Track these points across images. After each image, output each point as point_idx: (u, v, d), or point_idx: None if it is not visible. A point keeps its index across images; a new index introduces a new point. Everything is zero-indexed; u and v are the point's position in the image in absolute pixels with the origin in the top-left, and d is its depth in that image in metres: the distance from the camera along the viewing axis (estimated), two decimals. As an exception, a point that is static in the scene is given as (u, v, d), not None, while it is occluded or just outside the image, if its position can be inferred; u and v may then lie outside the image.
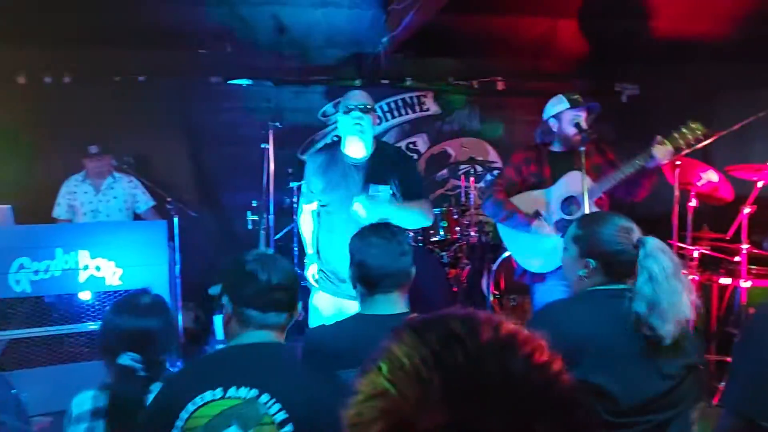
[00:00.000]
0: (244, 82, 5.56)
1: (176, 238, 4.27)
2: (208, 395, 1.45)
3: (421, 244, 4.94)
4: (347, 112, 2.95)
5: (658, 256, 1.74)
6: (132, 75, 5.34)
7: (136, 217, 4.82)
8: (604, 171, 3.22)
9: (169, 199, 4.39)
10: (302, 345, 1.99)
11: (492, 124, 6.04)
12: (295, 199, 4.99)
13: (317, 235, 3.18)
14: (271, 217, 4.60)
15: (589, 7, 4.97)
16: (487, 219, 5.53)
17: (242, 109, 5.57)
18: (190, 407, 1.43)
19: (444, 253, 5.06)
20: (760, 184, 4.01)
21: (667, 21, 5.15)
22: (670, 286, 1.70)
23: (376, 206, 2.85)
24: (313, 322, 3.10)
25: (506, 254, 4.64)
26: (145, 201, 4.82)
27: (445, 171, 6.06)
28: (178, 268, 4.25)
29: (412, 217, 2.97)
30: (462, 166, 5.74)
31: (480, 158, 5.65)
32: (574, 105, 3.21)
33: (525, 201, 3.30)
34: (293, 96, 5.68)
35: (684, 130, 3.03)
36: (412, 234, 4.88)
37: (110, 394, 1.76)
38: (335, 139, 3.27)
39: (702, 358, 1.90)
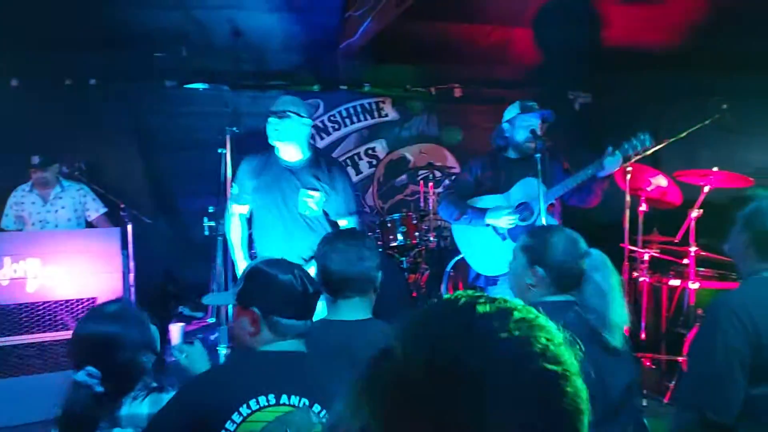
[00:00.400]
0: (201, 86, 5.48)
1: (130, 246, 4.17)
2: (262, 400, 1.47)
3: (380, 250, 4.95)
4: (271, 115, 2.99)
5: (603, 269, 1.80)
6: (83, 78, 5.20)
7: (88, 225, 4.69)
8: (557, 179, 3.29)
9: (122, 206, 4.29)
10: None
11: (450, 130, 6.11)
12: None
13: (244, 239, 3.18)
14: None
15: (543, 16, 5.08)
16: (447, 224, 5.59)
17: (198, 114, 5.48)
18: (244, 411, 1.45)
19: (403, 259, 5.09)
20: (706, 189, 4.16)
21: (618, 31, 5.31)
22: (614, 297, 1.76)
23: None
24: None
25: (459, 257, 4.68)
26: (96, 208, 4.69)
27: (404, 176, 6.10)
28: (132, 276, 4.15)
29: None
30: (421, 172, 5.78)
31: (438, 164, 5.71)
32: (524, 111, 3.30)
33: (479, 203, 3.35)
34: (250, 100, 5.62)
35: (633, 141, 3.13)
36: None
37: (61, 410, 1.69)
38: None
39: (636, 374, 1.98)
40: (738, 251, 2.01)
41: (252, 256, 3.22)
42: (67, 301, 3.44)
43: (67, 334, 3.30)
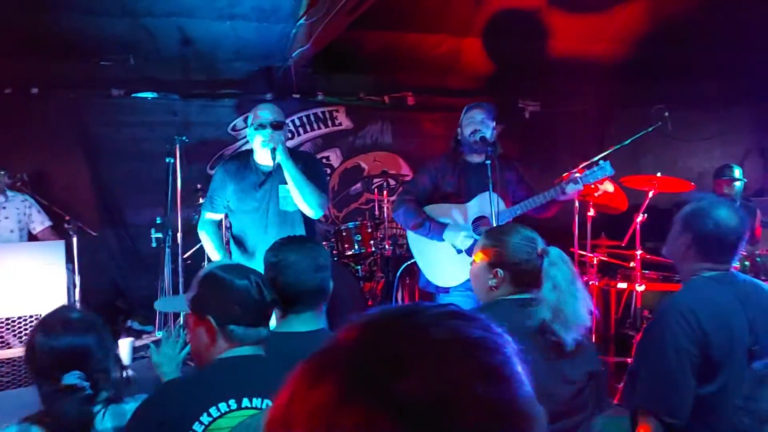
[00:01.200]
0: (149, 95, 5.36)
1: (75, 260, 4.04)
2: (223, 407, 1.45)
3: (335, 258, 4.93)
4: (258, 128, 2.97)
5: (560, 265, 1.82)
6: (24, 87, 5.02)
7: (32, 238, 4.51)
8: (515, 187, 3.34)
9: (67, 218, 4.15)
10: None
11: (404, 138, 6.15)
12: (205, 216, 4.85)
13: (221, 243, 3.17)
14: (179, 234, 4.44)
15: (493, 27, 5.18)
16: (402, 232, 5.60)
17: (146, 123, 5.36)
18: (205, 419, 1.42)
19: (359, 267, 5.08)
20: (650, 194, 4.30)
21: (566, 41, 5.46)
22: (571, 294, 1.78)
23: (287, 160, 2.90)
24: None
25: (409, 262, 4.69)
26: (41, 221, 4.52)
27: (358, 185, 6.09)
28: (77, 291, 4.01)
29: (308, 191, 2.97)
30: (375, 180, 5.79)
31: (393, 171, 5.73)
32: (468, 109, 3.35)
33: (438, 213, 3.35)
34: (201, 109, 5.53)
35: (596, 170, 3.17)
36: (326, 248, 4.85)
37: (53, 420, 1.62)
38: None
39: (600, 366, 2.00)
40: (678, 253, 2.05)
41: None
42: (7, 319, 3.29)
43: (9, 353, 3.16)
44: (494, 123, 3.36)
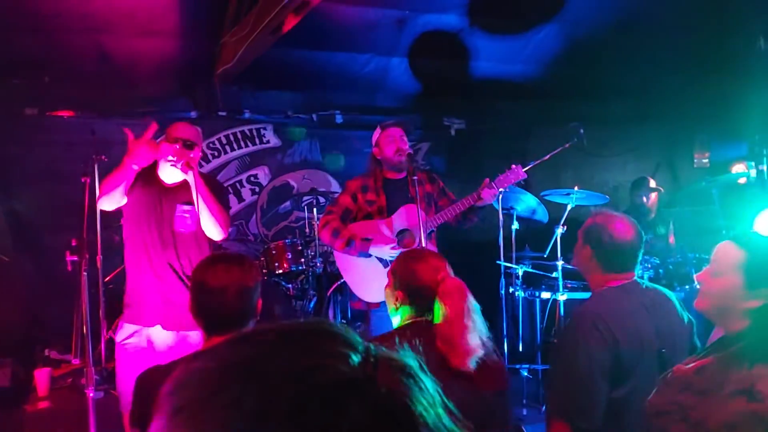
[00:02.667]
0: (65, 114, 5.15)
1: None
2: None
3: (266, 277, 4.86)
4: (170, 142, 2.90)
5: (454, 296, 1.86)
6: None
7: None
8: (436, 199, 3.42)
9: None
10: (134, 390, 1.84)
11: (333, 155, 6.16)
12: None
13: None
14: (98, 257, 4.26)
15: (418, 48, 5.30)
16: (332, 249, 5.59)
17: (62, 143, 5.13)
18: None
19: (290, 285, 5.03)
20: (569, 207, 4.50)
21: (487, 62, 5.66)
22: (460, 324, 1.81)
23: (197, 178, 2.83)
24: (120, 360, 2.92)
25: (340, 281, 4.71)
26: (-55, 247, 4.24)
27: (288, 203, 6.05)
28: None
29: (217, 210, 2.90)
30: (305, 198, 5.77)
31: (322, 189, 5.73)
32: (384, 128, 3.42)
33: (363, 231, 3.37)
34: (121, 128, 5.34)
35: (507, 172, 3.31)
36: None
37: None
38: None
39: (505, 384, 2.06)
40: (583, 265, 2.16)
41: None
42: None
43: None
44: (408, 137, 3.47)
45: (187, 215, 2.94)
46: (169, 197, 2.96)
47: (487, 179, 3.28)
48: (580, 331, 1.96)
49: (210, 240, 3.04)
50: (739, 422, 1.37)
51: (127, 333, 2.90)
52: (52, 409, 4.04)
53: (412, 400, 0.53)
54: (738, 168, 6.10)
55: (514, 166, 3.34)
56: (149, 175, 3.00)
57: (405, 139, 3.41)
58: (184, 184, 2.94)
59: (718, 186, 5.08)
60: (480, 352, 1.81)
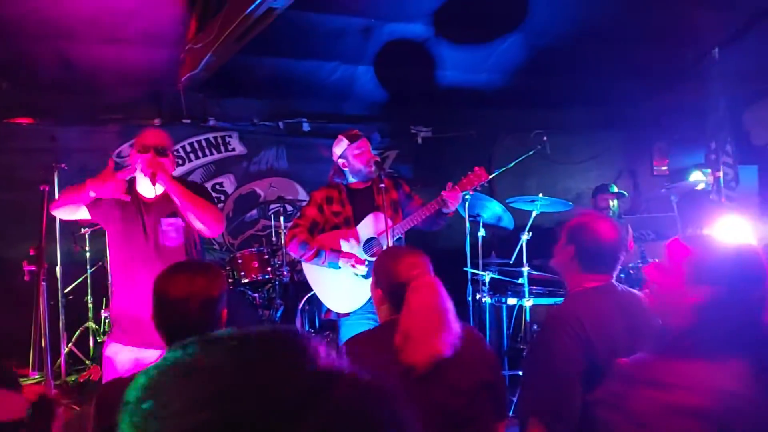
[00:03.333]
0: (24, 121, 5.01)
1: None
2: None
3: (231, 286, 4.80)
4: (141, 152, 2.83)
5: (422, 293, 1.87)
6: None
7: None
8: (403, 204, 3.43)
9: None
10: (94, 403, 1.79)
11: (300, 163, 6.14)
12: (87, 247, 4.58)
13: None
14: (58, 268, 4.16)
15: (384, 56, 5.34)
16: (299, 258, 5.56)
17: (22, 151, 5.00)
18: None
19: (256, 295, 4.97)
20: (534, 214, 4.57)
21: (453, 71, 5.72)
22: (423, 320, 1.83)
23: (171, 181, 2.76)
24: (110, 377, 2.84)
25: (310, 294, 4.69)
26: None
27: (254, 211, 6.00)
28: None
29: (203, 206, 2.83)
30: (272, 206, 5.73)
31: (290, 197, 5.70)
32: (353, 140, 3.40)
33: (330, 241, 3.36)
34: (82, 136, 5.23)
35: (470, 175, 3.35)
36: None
37: None
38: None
39: (498, 376, 2.07)
40: (563, 264, 2.17)
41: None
42: None
43: None
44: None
45: (171, 227, 2.86)
46: (152, 211, 2.88)
47: (450, 183, 3.31)
48: (556, 332, 1.97)
49: (199, 251, 2.99)
50: (655, 413, 1.42)
51: (113, 351, 2.84)
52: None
53: (371, 411, 0.54)
54: (695, 176, 6.30)
55: (476, 168, 3.37)
56: (128, 191, 2.90)
57: (371, 150, 3.45)
58: (165, 196, 2.87)
59: (677, 193, 5.24)
60: (445, 352, 1.82)
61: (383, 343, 1.88)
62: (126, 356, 2.81)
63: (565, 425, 1.91)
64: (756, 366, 1.41)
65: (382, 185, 3.22)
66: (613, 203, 5.20)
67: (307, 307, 4.86)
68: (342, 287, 3.30)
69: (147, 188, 2.87)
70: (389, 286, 1.98)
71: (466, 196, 4.29)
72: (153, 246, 2.85)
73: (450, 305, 1.91)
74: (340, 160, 3.41)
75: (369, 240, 3.34)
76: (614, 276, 2.15)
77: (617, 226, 2.15)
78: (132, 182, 2.94)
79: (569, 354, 1.92)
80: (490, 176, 4.12)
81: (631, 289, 2.27)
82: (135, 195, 2.91)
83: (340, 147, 3.41)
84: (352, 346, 2.02)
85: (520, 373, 4.30)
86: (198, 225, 2.85)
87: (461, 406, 1.88)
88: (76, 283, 4.71)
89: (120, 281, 2.90)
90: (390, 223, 3.23)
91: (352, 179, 3.43)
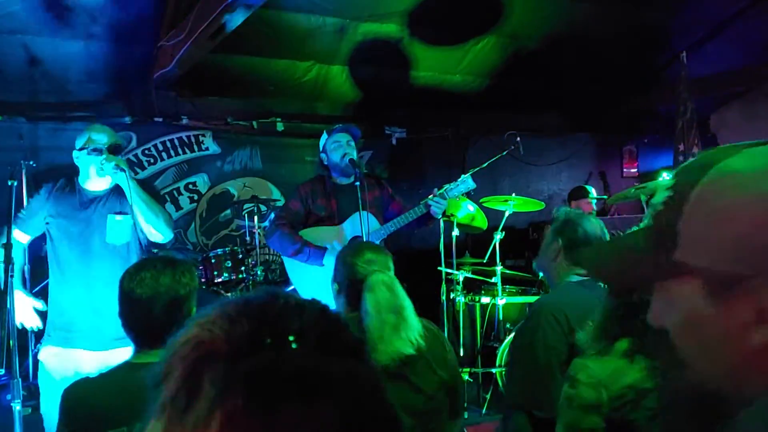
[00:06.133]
0: (-10, 117, 4.90)
1: None
2: None
3: (204, 287, 4.75)
4: (93, 152, 2.77)
5: (377, 290, 1.88)
6: None
7: None
8: (387, 204, 3.45)
9: None
10: (61, 404, 1.74)
11: (274, 163, 6.11)
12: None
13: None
14: (26, 266, 4.06)
15: (358, 56, 5.34)
16: (274, 257, 5.53)
17: (-13, 148, 4.88)
18: None
19: (230, 294, 4.93)
20: (507, 214, 4.62)
21: (427, 72, 5.75)
22: (381, 319, 1.84)
23: (130, 180, 2.69)
24: (43, 384, 2.75)
25: (288, 289, 4.67)
26: None
27: (228, 211, 5.94)
28: None
29: (158, 210, 2.79)
30: (246, 206, 5.69)
31: (263, 197, 5.66)
32: (330, 133, 3.45)
33: (313, 237, 3.35)
34: (51, 133, 5.11)
35: (458, 183, 3.32)
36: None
37: None
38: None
39: (456, 375, 2.09)
40: (549, 260, 2.23)
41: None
42: None
43: None
44: (356, 143, 3.48)
45: (119, 225, 2.78)
46: (97, 207, 2.81)
47: (436, 189, 3.30)
48: (539, 322, 2.02)
49: (147, 250, 2.92)
50: (562, 406, 1.51)
51: (50, 354, 2.74)
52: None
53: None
54: (666, 177, 6.43)
55: (464, 176, 3.36)
56: (70, 185, 2.84)
57: (352, 144, 3.43)
58: (114, 191, 2.82)
59: (647, 193, 5.34)
60: (405, 350, 1.82)
61: None
62: (61, 359, 2.71)
63: (548, 413, 1.94)
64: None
65: (357, 183, 3.21)
66: (593, 205, 5.25)
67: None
68: (325, 285, 3.29)
69: (93, 183, 2.82)
70: (346, 280, 1.98)
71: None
72: (98, 243, 2.77)
73: (407, 302, 1.91)
74: (322, 154, 3.43)
75: (353, 239, 3.34)
76: None
77: (602, 224, 2.23)
78: (73, 176, 2.86)
79: (551, 344, 1.97)
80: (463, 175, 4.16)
81: None
82: (78, 190, 2.84)
83: (322, 140, 3.44)
84: None
85: (493, 371, 4.36)
86: (146, 226, 2.78)
87: (421, 403, 1.90)
88: (45, 282, 4.60)
89: (57, 281, 2.81)
90: (374, 221, 3.24)
91: (335, 174, 3.43)
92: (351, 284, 1.95)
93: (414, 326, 1.87)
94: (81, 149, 2.81)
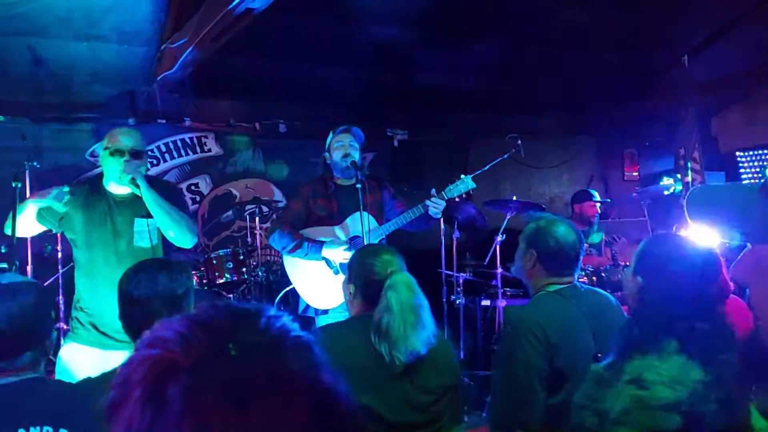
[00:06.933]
0: (-5, 118, 4.92)
1: None
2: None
3: (205, 288, 4.77)
4: (115, 153, 2.75)
5: (399, 290, 1.88)
6: None
7: None
8: (390, 205, 3.47)
9: None
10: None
11: (276, 165, 6.13)
12: (59, 247, 4.51)
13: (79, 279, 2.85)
14: (29, 267, 4.10)
15: (360, 58, 5.36)
16: (275, 258, 5.55)
17: (-8, 148, 4.91)
18: None
19: (231, 296, 4.95)
20: (508, 216, 4.63)
21: (429, 75, 5.77)
22: (402, 318, 1.84)
23: (148, 190, 2.69)
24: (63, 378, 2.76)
25: (288, 288, 4.68)
26: None
27: (230, 212, 5.97)
28: None
29: (178, 217, 2.77)
30: (248, 207, 5.71)
31: (265, 198, 5.69)
32: (336, 133, 3.47)
33: (314, 236, 3.37)
34: (55, 134, 5.15)
35: (458, 183, 3.33)
36: (196, 278, 4.70)
37: None
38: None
39: (459, 381, 2.10)
40: (525, 270, 2.19)
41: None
42: None
43: None
44: (359, 145, 3.48)
45: (146, 229, 2.77)
46: (123, 210, 2.79)
47: (434, 189, 3.33)
48: (517, 338, 1.98)
49: (173, 251, 2.92)
50: (630, 409, 1.46)
51: (75, 352, 2.72)
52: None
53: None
54: (667, 181, 6.44)
55: (463, 176, 3.38)
56: (96, 187, 2.82)
57: (355, 145, 3.44)
58: (132, 196, 2.79)
59: (647, 197, 5.34)
60: (421, 349, 1.85)
61: (358, 333, 1.90)
62: (87, 359, 2.70)
63: (529, 431, 1.93)
64: (700, 359, 1.46)
65: (359, 185, 3.23)
66: (598, 209, 5.24)
67: (282, 307, 4.86)
68: (323, 283, 3.32)
69: (118, 187, 2.80)
70: (364, 282, 2.00)
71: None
72: (124, 246, 2.76)
73: (425, 302, 1.94)
74: (325, 153, 3.46)
75: (353, 238, 3.36)
76: (576, 277, 2.17)
77: (574, 227, 2.17)
78: (99, 179, 2.86)
79: (530, 359, 1.93)
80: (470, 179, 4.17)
81: (596, 289, 2.30)
82: (104, 193, 2.82)
83: (327, 140, 3.46)
84: (326, 333, 2.05)
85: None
86: (171, 232, 2.77)
87: (428, 404, 1.91)
88: (47, 283, 4.63)
89: (85, 285, 2.79)
90: (374, 221, 3.26)
91: (337, 175, 3.45)
92: (368, 284, 1.98)
93: (429, 326, 1.89)
94: (105, 149, 2.79)
